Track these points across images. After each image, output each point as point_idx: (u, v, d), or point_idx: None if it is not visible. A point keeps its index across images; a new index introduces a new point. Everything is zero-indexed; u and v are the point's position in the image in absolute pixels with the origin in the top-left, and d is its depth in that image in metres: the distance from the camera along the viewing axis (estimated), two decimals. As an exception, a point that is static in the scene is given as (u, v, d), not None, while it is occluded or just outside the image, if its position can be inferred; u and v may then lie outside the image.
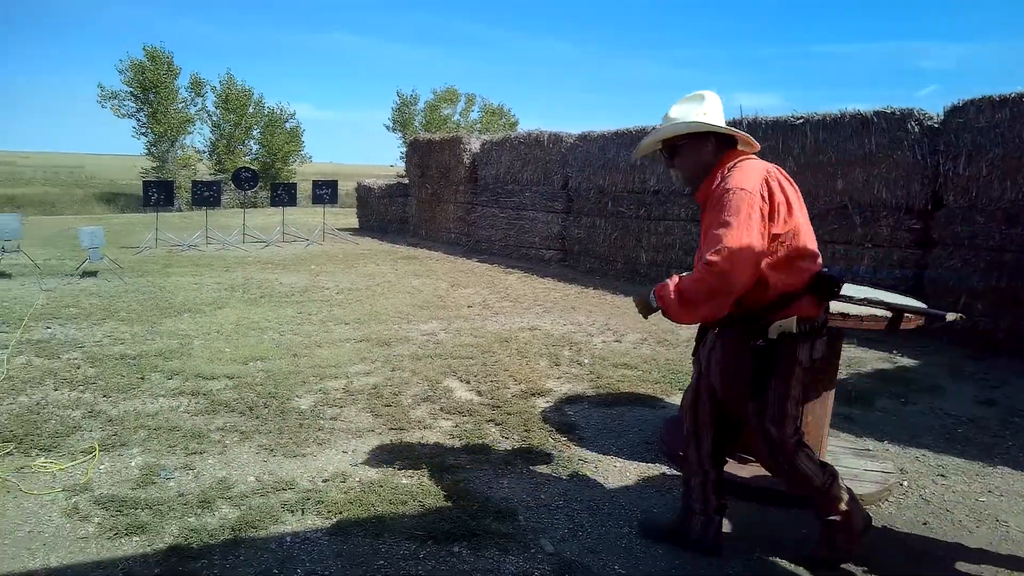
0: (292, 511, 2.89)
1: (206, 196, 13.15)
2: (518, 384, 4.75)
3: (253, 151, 36.91)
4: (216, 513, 2.85)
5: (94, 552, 2.54)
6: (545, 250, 11.31)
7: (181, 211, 23.68)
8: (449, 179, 13.63)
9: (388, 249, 12.94)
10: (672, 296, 2.28)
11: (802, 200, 2.39)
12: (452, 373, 4.96)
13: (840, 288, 2.31)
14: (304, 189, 16.02)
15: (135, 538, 2.63)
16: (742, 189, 2.20)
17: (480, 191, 12.87)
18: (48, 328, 5.87)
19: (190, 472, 3.22)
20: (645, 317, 2.49)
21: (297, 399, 4.31)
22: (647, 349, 5.88)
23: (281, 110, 37.51)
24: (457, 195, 13.48)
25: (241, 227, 13.63)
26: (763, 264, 2.23)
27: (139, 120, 32.91)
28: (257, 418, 3.94)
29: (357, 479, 3.22)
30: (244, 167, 14.30)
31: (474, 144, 13.13)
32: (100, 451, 3.38)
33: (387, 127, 40.89)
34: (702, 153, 2.44)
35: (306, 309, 7.12)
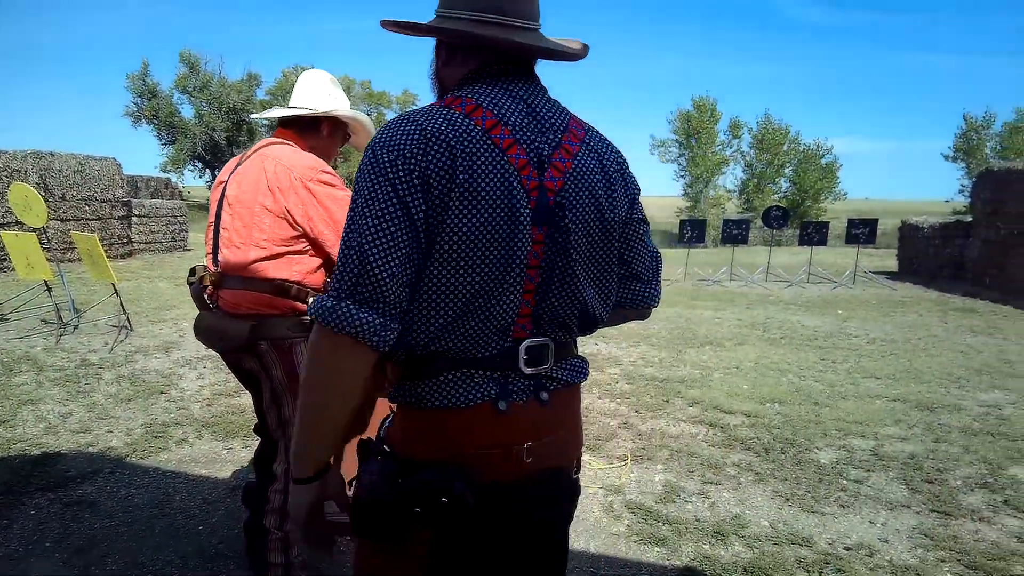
0: (808, 571, 2.67)
1: (735, 234, 13.68)
2: None
3: (783, 189, 37.05)
4: (729, 548, 2.83)
5: (623, 550, 2.81)
6: None
7: (708, 247, 25.25)
8: (1031, 216, 11.00)
9: (935, 298, 11.16)
10: None
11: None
12: None
13: None
14: (836, 227, 15.17)
15: (657, 549, 2.82)
16: None
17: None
18: (595, 344, 6.93)
19: (706, 500, 3.31)
20: None
21: (817, 451, 4.01)
22: None
23: (818, 146, 36.70)
24: (1043, 236, 10.77)
25: (765, 265, 13.70)
26: None
27: (680, 164, 36.76)
28: (773, 462, 3.81)
29: (887, 558, 2.78)
30: (775, 206, 14.35)
31: (1070, 172, 10.33)
32: (631, 461, 3.77)
33: (945, 156, 35.84)
34: None
35: (830, 356, 6.65)
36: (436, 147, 1.01)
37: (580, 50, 1.21)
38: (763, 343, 7.24)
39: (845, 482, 3.56)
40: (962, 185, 32.87)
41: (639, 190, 1.27)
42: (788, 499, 3.33)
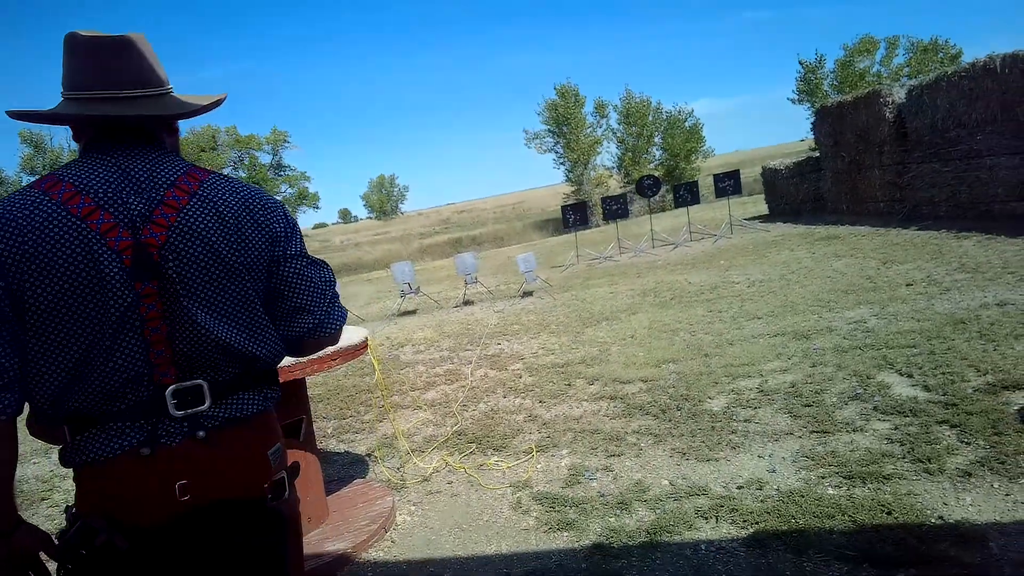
0: (706, 518, 2.79)
1: (615, 209, 14.11)
2: (982, 376, 3.79)
3: (657, 157, 38.63)
4: (633, 515, 2.92)
5: (533, 543, 2.84)
6: (1015, 202, 8.96)
7: (598, 226, 25.94)
8: (869, 141, 11.95)
9: (803, 232, 11.95)
10: None
11: None
12: (888, 366, 4.23)
13: None
14: (706, 184, 15.95)
15: (565, 534, 2.86)
16: None
17: (912, 147, 10.94)
18: (498, 344, 6.98)
19: (610, 474, 3.40)
20: None
21: (709, 400, 4.20)
22: None
23: (679, 111, 38.46)
24: (882, 157, 11.71)
25: (649, 233, 14.23)
26: None
27: (557, 152, 37.68)
28: (670, 421, 3.96)
29: (775, 487, 2.95)
30: (646, 175, 14.93)
31: (897, 94, 11.26)
32: (537, 452, 3.82)
33: (792, 100, 38.31)
34: None
35: (716, 307, 6.99)
36: (5, 229, 1.10)
37: (205, 105, 1.31)
38: (655, 308, 7.52)
39: (735, 424, 3.74)
40: (812, 124, 35.38)
41: (287, 228, 1.33)
42: (685, 454, 3.47)
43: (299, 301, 1.33)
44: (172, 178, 1.21)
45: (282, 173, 64.01)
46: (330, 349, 2.88)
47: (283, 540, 1.30)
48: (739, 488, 3.00)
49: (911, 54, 35.37)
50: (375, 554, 2.96)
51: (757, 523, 2.67)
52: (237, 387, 1.25)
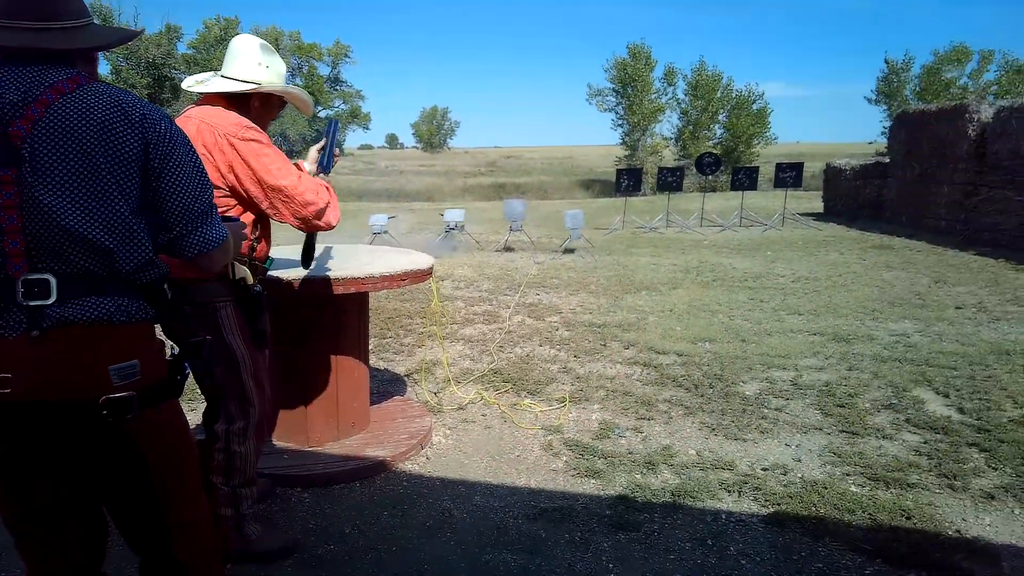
0: (729, 491, 2.91)
1: (670, 181, 13.97)
2: (1019, 408, 3.82)
3: (717, 135, 37.70)
4: (659, 476, 3.06)
5: (561, 484, 3.00)
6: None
7: (646, 196, 25.65)
8: (945, 156, 11.57)
9: (856, 236, 11.75)
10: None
11: None
12: (925, 382, 4.27)
13: None
14: (766, 172, 15.66)
15: (592, 481, 3.02)
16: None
17: (989, 170, 10.58)
18: (537, 295, 7.10)
19: (639, 434, 3.53)
20: None
21: (742, 384, 4.29)
22: None
23: (749, 92, 37.26)
24: (955, 175, 11.35)
25: (700, 211, 14.09)
26: None
27: (617, 113, 36.98)
28: (702, 396, 4.07)
29: (799, 475, 3.06)
30: (707, 152, 14.71)
31: (984, 112, 10.85)
32: (570, 402, 3.96)
33: (869, 100, 37.05)
34: None
35: (758, 295, 7.00)
36: None
37: (97, 45, 1.36)
38: (696, 286, 7.55)
39: (766, 411, 3.83)
40: (884, 127, 34.10)
41: (170, 139, 1.35)
42: (714, 429, 3.58)
43: (167, 218, 1.37)
44: (53, 81, 1.26)
45: (338, 87, 63.75)
46: (400, 268, 3.00)
47: (137, 460, 1.35)
48: (764, 470, 3.11)
49: (1003, 72, 33.76)
50: (410, 467, 3.15)
51: (778, 504, 2.78)
52: (89, 289, 1.28)
